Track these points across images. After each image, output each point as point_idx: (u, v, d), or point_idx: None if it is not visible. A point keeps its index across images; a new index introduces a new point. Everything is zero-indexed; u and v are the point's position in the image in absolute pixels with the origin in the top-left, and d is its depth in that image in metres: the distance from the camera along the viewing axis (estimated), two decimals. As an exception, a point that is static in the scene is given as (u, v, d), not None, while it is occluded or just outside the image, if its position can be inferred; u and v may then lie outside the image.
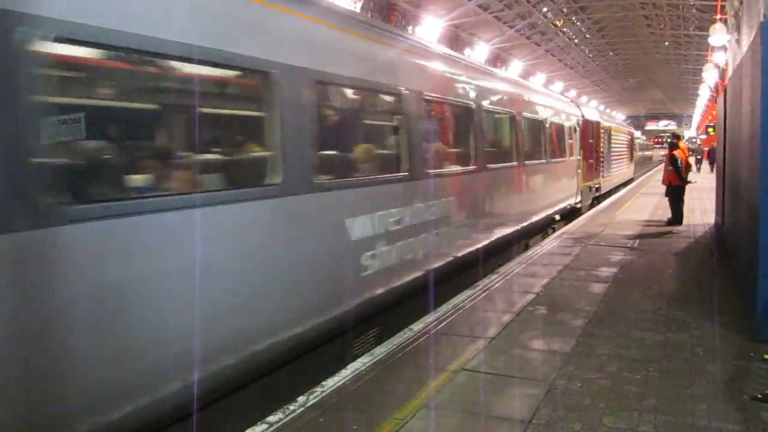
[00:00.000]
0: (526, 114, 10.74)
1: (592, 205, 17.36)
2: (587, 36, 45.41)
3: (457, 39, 34.38)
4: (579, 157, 15.63)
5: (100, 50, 3.37)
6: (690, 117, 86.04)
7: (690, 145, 21.33)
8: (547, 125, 12.28)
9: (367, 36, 6.05)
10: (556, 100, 15.12)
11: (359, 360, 4.91)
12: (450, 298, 6.72)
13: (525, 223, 10.59)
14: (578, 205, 15.67)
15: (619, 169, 24.09)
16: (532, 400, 4.05)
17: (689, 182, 12.49)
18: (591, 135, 17.27)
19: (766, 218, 5.04)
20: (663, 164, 13.94)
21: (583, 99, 54.97)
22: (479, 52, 36.13)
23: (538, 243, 11.01)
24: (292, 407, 4.04)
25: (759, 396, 4.03)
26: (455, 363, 4.79)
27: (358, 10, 24.67)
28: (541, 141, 11.94)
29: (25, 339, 2.81)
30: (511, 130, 10.16)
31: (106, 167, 3.54)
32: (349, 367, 4.76)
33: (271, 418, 3.89)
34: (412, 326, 5.76)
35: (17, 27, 2.77)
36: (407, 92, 6.32)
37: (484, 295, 6.95)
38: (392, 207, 5.90)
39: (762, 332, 5.11)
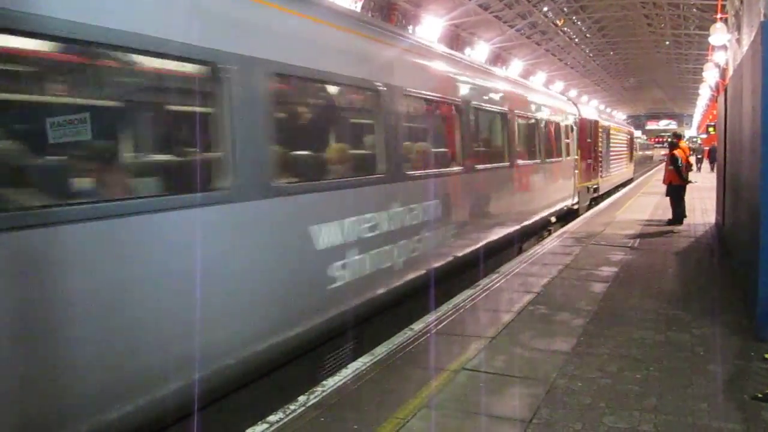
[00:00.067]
0: (519, 112, 10.30)
1: (590, 207, 17.04)
2: (588, 35, 45.39)
3: (457, 38, 34.38)
4: (576, 157, 15.25)
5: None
6: (691, 116, 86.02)
7: (691, 145, 21.25)
8: (542, 124, 11.80)
9: (338, 26, 5.53)
10: (552, 98, 14.52)
11: (360, 360, 4.91)
12: (431, 308, 6.34)
13: (517, 227, 10.11)
14: (575, 207, 15.26)
15: (619, 169, 23.76)
16: (533, 400, 4.05)
17: (690, 182, 12.48)
18: (589, 134, 16.95)
19: (767, 218, 5.04)
20: (664, 164, 13.93)
21: (584, 98, 54.99)
22: (480, 51, 36.13)
23: (532, 246, 10.66)
24: (292, 407, 4.04)
25: (759, 395, 4.03)
26: (456, 362, 4.79)
27: (358, 9, 24.68)
28: (535, 140, 11.47)
29: None
30: (503, 129, 9.67)
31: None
32: (349, 366, 4.76)
33: (271, 418, 3.90)
34: (412, 326, 5.76)
35: None
36: (385, 88, 5.85)
37: (484, 294, 6.95)
38: (366, 212, 5.45)
39: (762, 331, 5.11)
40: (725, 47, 25.00)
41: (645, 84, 67.42)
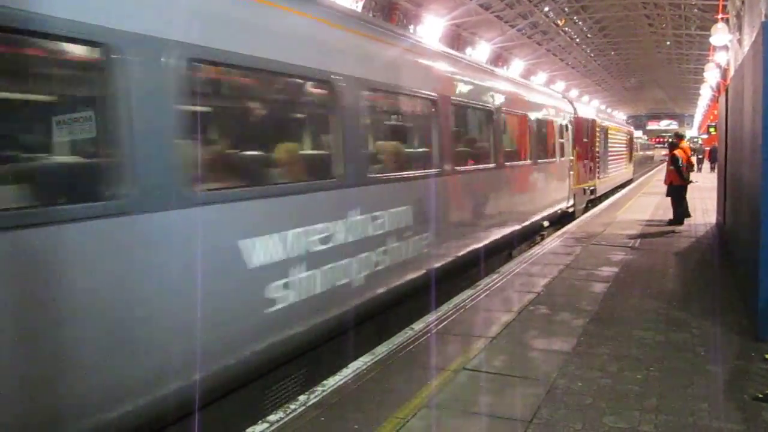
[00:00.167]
0: (507, 109, 9.61)
1: (586, 209, 16.42)
2: (589, 35, 45.41)
3: (458, 38, 34.39)
4: (572, 158, 14.56)
5: None
6: (691, 117, 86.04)
7: (692, 145, 21.18)
8: (534, 123, 11.06)
9: (280, 5, 4.73)
10: (545, 95, 13.69)
11: (360, 359, 4.90)
12: (401, 327, 5.79)
13: (506, 233, 9.42)
14: (570, 209, 14.59)
15: (617, 170, 23.09)
16: (533, 400, 4.05)
17: (690, 182, 12.47)
18: (585, 134, 16.33)
19: (767, 217, 5.04)
20: (665, 164, 13.90)
21: (585, 98, 54.99)
22: (481, 51, 36.14)
23: (522, 253, 10.07)
24: (292, 406, 4.04)
25: (760, 396, 4.03)
26: (456, 362, 4.79)
27: (359, 9, 24.69)
28: (526, 140, 10.80)
29: None
30: (489, 127, 8.91)
31: None
32: (350, 366, 4.76)
33: (271, 417, 3.90)
34: (413, 325, 5.75)
35: None
36: (342, 79, 5.15)
37: (485, 294, 6.95)
38: (317, 221, 4.75)
39: (763, 332, 5.11)
40: (726, 47, 25.01)
41: (646, 84, 67.43)
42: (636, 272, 7.99)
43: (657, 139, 65.22)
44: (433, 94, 6.94)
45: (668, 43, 45.91)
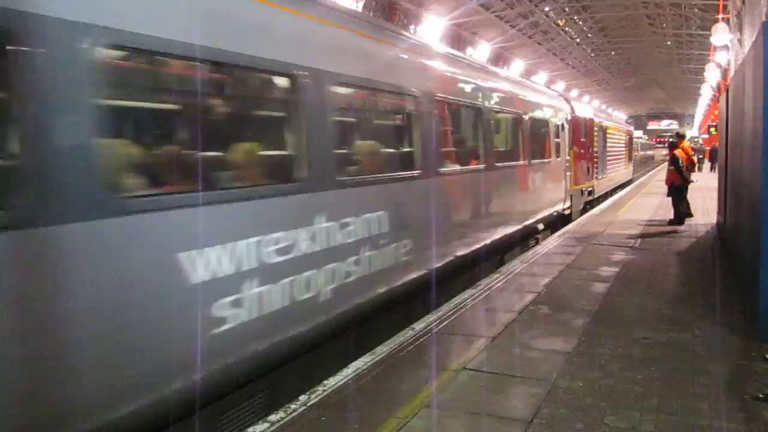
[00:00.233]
0: (498, 107, 9.16)
1: (584, 211, 15.91)
2: (589, 35, 45.41)
3: (458, 38, 34.39)
4: (568, 158, 14.10)
5: None
6: (692, 117, 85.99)
7: (693, 145, 21.07)
8: (527, 121, 10.51)
9: None
10: (540, 93, 13.13)
11: (361, 359, 4.90)
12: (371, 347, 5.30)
13: (496, 237, 8.89)
14: (567, 212, 14.07)
15: (616, 171, 22.68)
16: (534, 400, 4.05)
17: (691, 182, 12.47)
18: (583, 133, 15.88)
19: (768, 217, 5.04)
20: (665, 164, 13.88)
21: (585, 98, 54.96)
22: (481, 51, 36.15)
23: (515, 257, 9.60)
24: (293, 406, 4.04)
25: (761, 396, 4.03)
26: (457, 362, 4.79)
27: (360, 9, 24.69)
28: (519, 139, 10.26)
29: None
30: (478, 126, 8.42)
31: None
32: (350, 366, 4.75)
33: (272, 417, 3.90)
34: (413, 325, 5.75)
35: None
36: (305, 72, 4.66)
37: (485, 294, 6.95)
38: (276, 230, 4.29)
39: (763, 332, 5.10)
40: (727, 47, 24.97)
41: (646, 84, 67.44)
42: (637, 272, 7.99)
43: (657, 139, 65.18)
44: (414, 90, 6.54)
45: (669, 42, 45.89)
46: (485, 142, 8.51)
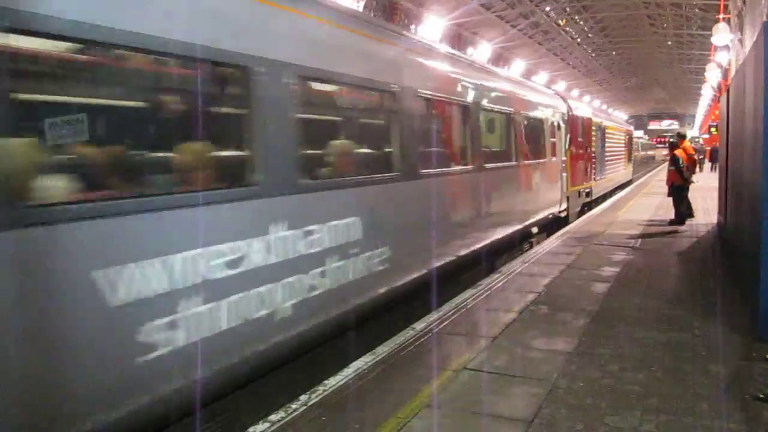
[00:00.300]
0: (488, 104, 8.68)
1: (581, 212, 15.54)
2: (590, 35, 45.43)
3: (459, 38, 34.39)
4: (565, 158, 13.72)
5: None
6: (693, 117, 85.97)
7: (694, 145, 20.97)
8: (521, 120, 10.08)
9: None
10: (535, 90, 12.65)
11: (361, 359, 4.90)
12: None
13: (486, 242, 8.46)
14: (563, 214, 13.63)
15: (615, 171, 22.26)
16: (535, 400, 4.05)
17: (691, 182, 12.47)
18: (580, 133, 15.45)
19: (769, 218, 5.04)
20: (666, 164, 13.86)
21: (586, 98, 54.95)
22: (482, 51, 36.15)
23: (505, 264, 9.06)
24: (294, 406, 4.04)
25: (761, 396, 4.02)
26: (457, 362, 4.79)
27: (360, 9, 24.70)
28: (511, 139, 9.80)
29: None
30: (465, 124, 7.97)
31: None
32: (351, 365, 4.76)
33: (273, 417, 3.90)
34: (414, 325, 5.75)
35: None
36: (261, 64, 4.20)
37: (486, 294, 6.95)
38: (222, 240, 3.83)
39: (764, 332, 5.10)
40: (728, 47, 24.99)
41: (647, 84, 67.45)
42: (637, 272, 7.99)
43: (658, 139, 65.16)
44: (393, 85, 6.06)
45: (669, 42, 45.91)
46: (473, 142, 8.12)
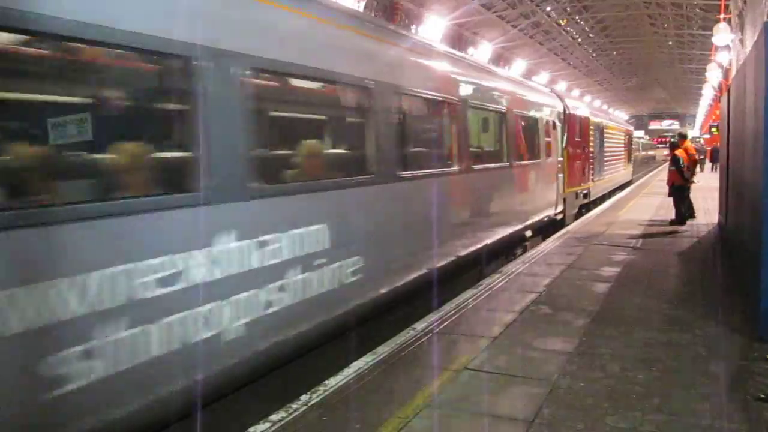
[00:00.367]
0: (476, 102, 8.23)
1: (579, 214, 15.14)
2: (591, 35, 45.42)
3: (460, 38, 34.40)
4: (561, 159, 13.34)
5: None
6: (693, 117, 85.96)
7: (695, 145, 20.87)
8: (513, 119, 9.60)
9: None
10: (529, 89, 12.23)
11: (362, 359, 4.90)
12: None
13: (475, 248, 8.03)
14: (559, 216, 13.21)
15: (614, 172, 21.76)
16: (535, 400, 4.05)
17: (692, 182, 12.47)
18: (578, 132, 15.03)
19: (770, 218, 5.04)
20: (666, 164, 13.85)
21: (587, 98, 54.95)
22: (482, 51, 36.16)
23: (496, 270, 8.53)
24: (294, 406, 4.04)
25: (762, 396, 4.02)
26: (458, 362, 4.79)
27: (361, 9, 24.71)
28: (502, 139, 9.42)
29: None
30: (452, 124, 7.57)
31: None
32: (351, 365, 4.76)
33: (273, 417, 3.90)
34: (414, 325, 5.76)
35: None
36: (205, 54, 3.73)
37: (486, 294, 6.95)
38: (154, 255, 3.36)
39: (765, 332, 5.10)
40: (728, 47, 24.97)
41: (648, 84, 67.44)
42: (638, 272, 7.99)
43: (659, 139, 65.15)
44: (369, 80, 5.59)
45: (670, 42, 45.90)
46: (460, 142, 7.65)
